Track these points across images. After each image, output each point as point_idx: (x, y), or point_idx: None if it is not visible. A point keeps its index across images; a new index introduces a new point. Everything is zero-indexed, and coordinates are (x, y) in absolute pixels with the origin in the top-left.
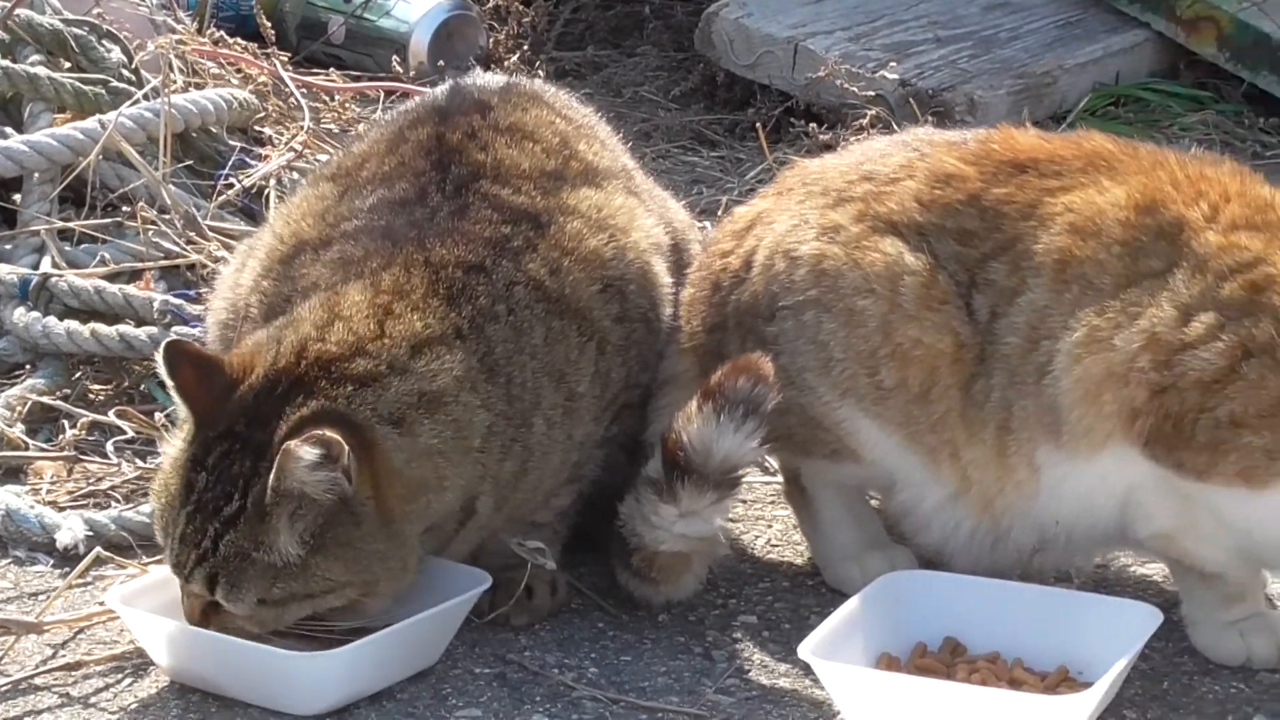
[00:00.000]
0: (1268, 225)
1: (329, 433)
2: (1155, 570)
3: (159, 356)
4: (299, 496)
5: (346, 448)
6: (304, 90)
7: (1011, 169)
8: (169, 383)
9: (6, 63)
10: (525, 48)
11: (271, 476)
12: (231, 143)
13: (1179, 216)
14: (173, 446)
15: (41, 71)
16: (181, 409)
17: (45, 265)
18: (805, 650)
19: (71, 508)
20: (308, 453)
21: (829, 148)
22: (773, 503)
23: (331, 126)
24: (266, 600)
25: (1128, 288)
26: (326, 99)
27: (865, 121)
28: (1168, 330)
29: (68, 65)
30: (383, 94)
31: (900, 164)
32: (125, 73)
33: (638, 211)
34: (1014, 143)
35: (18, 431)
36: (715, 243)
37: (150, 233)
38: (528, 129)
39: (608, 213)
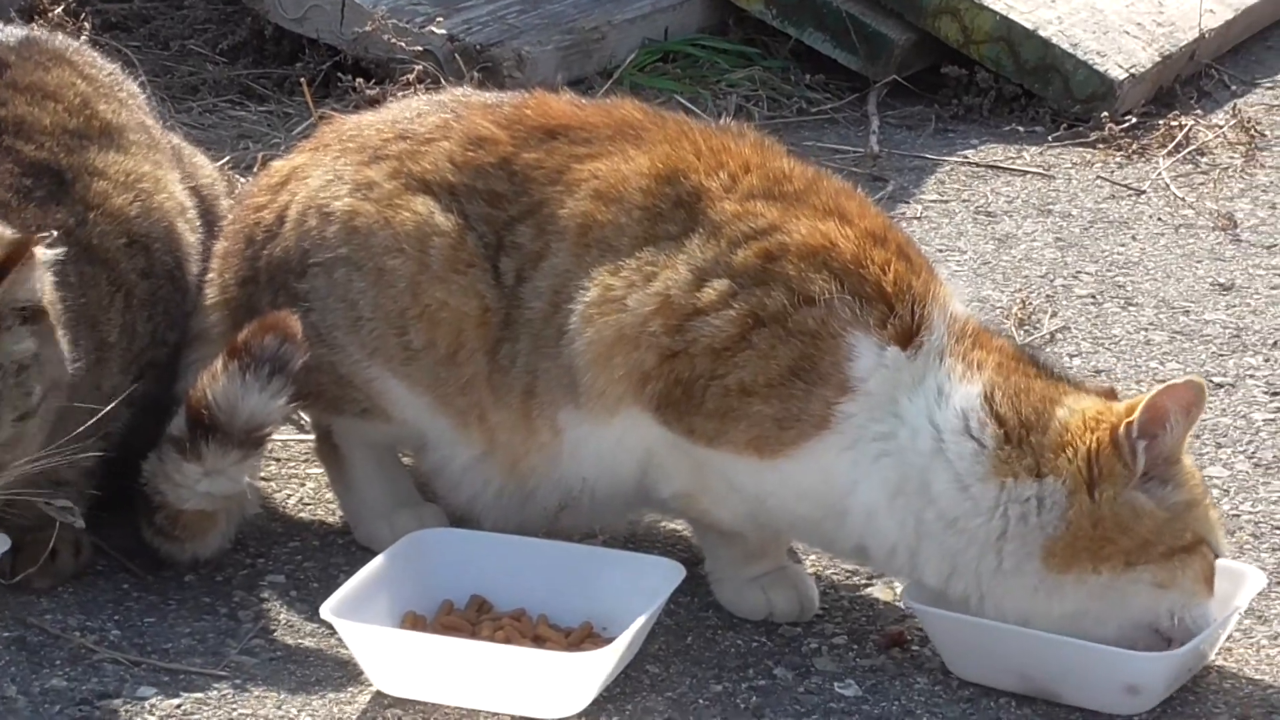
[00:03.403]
0: (783, 196)
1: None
2: (684, 526)
3: None
4: None
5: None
6: None
7: (543, 134)
8: None
9: None
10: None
11: None
12: None
13: (698, 186)
14: None
15: None
16: None
17: None
18: (326, 610)
19: None
20: None
21: (376, 103)
22: (306, 460)
23: None
24: None
25: (643, 247)
26: None
27: (413, 77)
28: (681, 294)
29: None
30: None
31: (436, 124)
32: None
33: (163, 175)
34: (547, 108)
35: None
36: (250, 196)
37: None
38: (49, 89)
39: (135, 177)
